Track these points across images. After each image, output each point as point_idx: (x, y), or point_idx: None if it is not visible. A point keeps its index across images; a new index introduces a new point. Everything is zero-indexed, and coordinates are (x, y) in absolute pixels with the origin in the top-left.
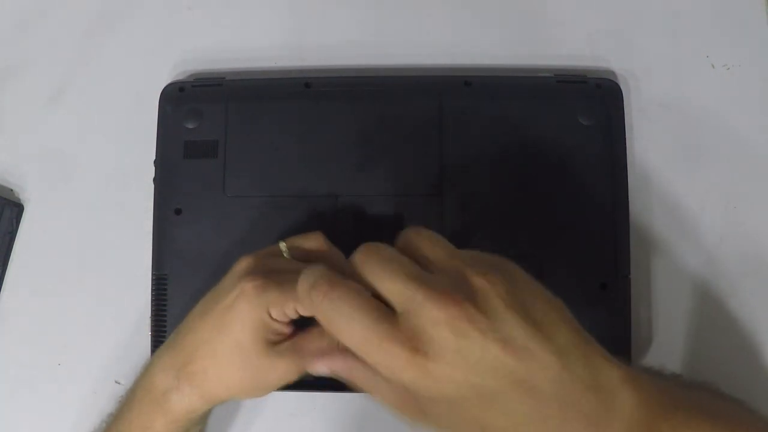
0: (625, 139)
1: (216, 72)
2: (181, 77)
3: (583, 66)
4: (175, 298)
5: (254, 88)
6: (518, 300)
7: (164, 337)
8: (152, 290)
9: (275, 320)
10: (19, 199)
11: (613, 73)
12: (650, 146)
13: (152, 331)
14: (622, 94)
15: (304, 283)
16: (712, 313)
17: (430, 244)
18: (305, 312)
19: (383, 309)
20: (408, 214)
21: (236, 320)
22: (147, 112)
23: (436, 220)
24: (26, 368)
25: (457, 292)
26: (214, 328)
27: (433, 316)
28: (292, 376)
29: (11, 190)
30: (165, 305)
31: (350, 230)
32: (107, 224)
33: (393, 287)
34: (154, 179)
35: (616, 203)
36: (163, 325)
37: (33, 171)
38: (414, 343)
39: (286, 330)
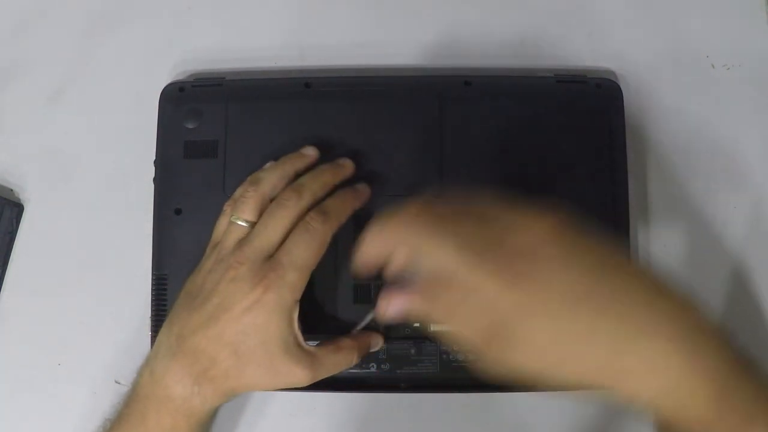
0: (625, 139)
1: (216, 72)
2: (181, 77)
3: (583, 66)
4: (175, 298)
5: (254, 88)
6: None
7: None
8: (152, 290)
9: (296, 304)
10: (19, 199)
11: (613, 73)
12: (650, 146)
13: (152, 331)
14: (622, 94)
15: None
16: (712, 311)
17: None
18: (314, 266)
19: (485, 247)
20: None
21: (265, 317)
22: (147, 112)
23: None
24: (26, 368)
25: (560, 227)
26: (237, 332)
27: (530, 243)
28: (307, 381)
29: (11, 190)
30: (165, 305)
31: (350, 230)
32: (107, 224)
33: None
34: (154, 179)
35: (616, 203)
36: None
37: (33, 171)
38: (509, 272)
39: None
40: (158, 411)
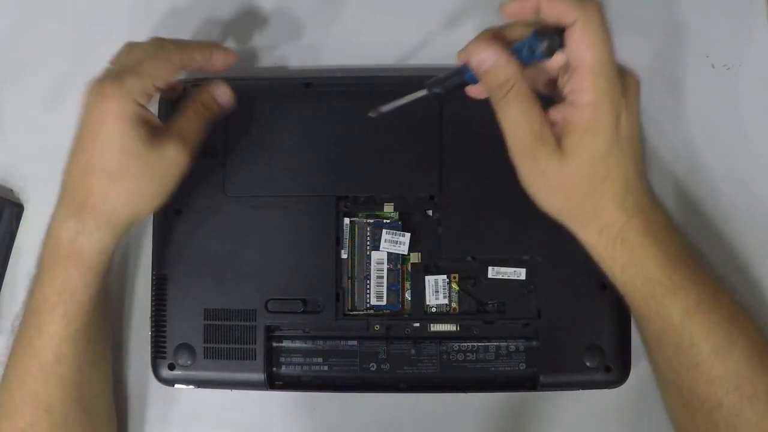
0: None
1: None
2: (181, 77)
3: None
4: (175, 298)
5: (254, 88)
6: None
7: (164, 337)
8: (152, 290)
9: (144, 108)
10: (19, 199)
11: None
12: (650, 146)
13: (152, 331)
14: None
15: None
16: None
17: None
18: (162, 82)
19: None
20: (407, 214)
21: (112, 126)
22: None
23: (435, 220)
24: None
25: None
26: (96, 149)
27: (634, 80)
28: (184, 161)
29: (11, 190)
30: (165, 305)
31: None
32: None
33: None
34: None
35: None
36: (163, 325)
37: (33, 171)
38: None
39: (154, 117)
40: (50, 266)
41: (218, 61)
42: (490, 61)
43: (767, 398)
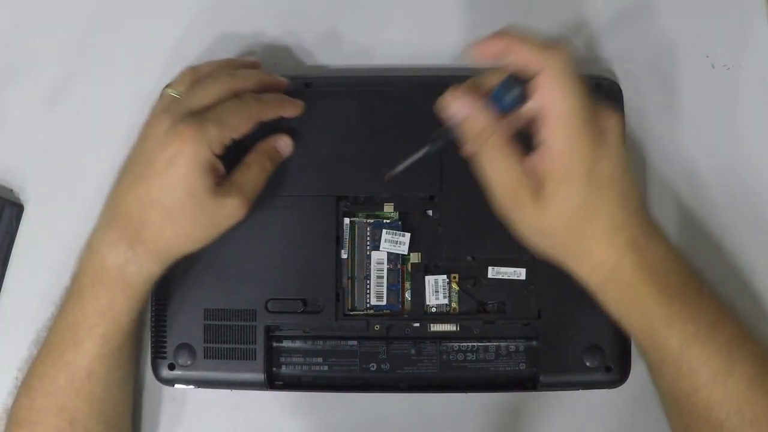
0: (624, 139)
1: None
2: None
3: (583, 66)
4: (175, 298)
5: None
6: None
7: (164, 337)
8: (152, 290)
9: (216, 157)
10: (19, 199)
11: (613, 73)
12: (650, 146)
13: (152, 331)
14: (622, 94)
15: (536, 37)
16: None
17: None
18: (239, 134)
19: (521, 169)
20: (407, 214)
21: (185, 168)
22: (147, 112)
23: (435, 220)
24: (26, 368)
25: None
26: (162, 186)
27: (613, 117)
28: (241, 210)
29: (11, 190)
30: (165, 305)
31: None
32: None
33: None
34: None
35: None
36: (163, 325)
37: (33, 171)
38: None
39: (222, 167)
40: (93, 285)
41: (288, 113)
42: (463, 112)
43: None
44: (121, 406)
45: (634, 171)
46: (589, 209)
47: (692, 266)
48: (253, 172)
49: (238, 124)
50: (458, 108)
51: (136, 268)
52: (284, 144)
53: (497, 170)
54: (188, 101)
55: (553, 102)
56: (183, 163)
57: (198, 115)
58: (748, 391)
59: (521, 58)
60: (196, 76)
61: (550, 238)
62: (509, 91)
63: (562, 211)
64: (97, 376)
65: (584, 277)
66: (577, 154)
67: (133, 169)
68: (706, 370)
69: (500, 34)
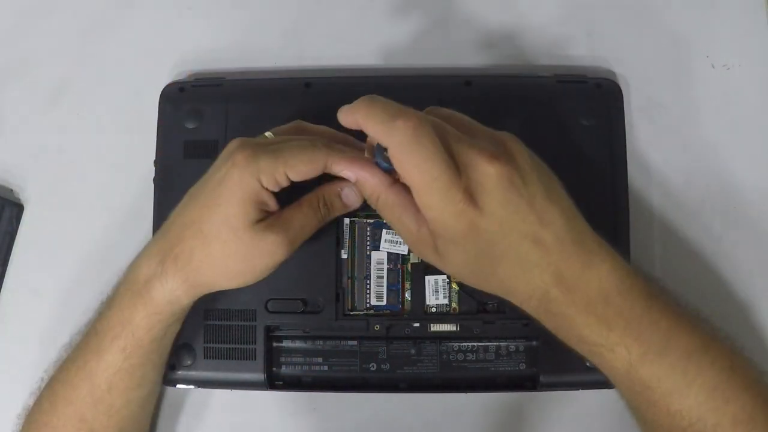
0: (625, 139)
1: (216, 72)
2: (181, 77)
3: (583, 66)
4: None
5: (254, 88)
6: (538, 168)
7: None
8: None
9: (266, 191)
10: (19, 199)
11: (613, 73)
12: (650, 146)
13: None
14: (622, 94)
15: (388, 110)
16: (713, 310)
17: (459, 117)
18: (297, 175)
19: (450, 161)
20: None
21: (227, 192)
22: (147, 112)
23: None
24: (26, 368)
25: (502, 154)
26: (204, 206)
27: (487, 172)
28: (283, 251)
29: (11, 190)
30: None
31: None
32: (107, 224)
33: (454, 147)
34: (154, 179)
35: (616, 203)
36: None
37: (33, 171)
38: (471, 195)
39: (273, 205)
40: (123, 295)
41: (355, 174)
42: (352, 177)
43: (733, 427)
44: (142, 425)
45: (563, 194)
46: (489, 259)
47: (643, 282)
48: (303, 213)
49: (297, 162)
50: (348, 174)
51: (160, 285)
52: (350, 194)
53: (395, 224)
54: (267, 140)
55: (407, 175)
56: (226, 188)
57: (258, 146)
58: (709, 400)
59: (371, 132)
60: (303, 128)
61: (466, 280)
62: (381, 157)
63: (461, 263)
64: (117, 392)
65: (520, 306)
66: (448, 220)
67: (194, 187)
68: (660, 386)
69: (351, 108)
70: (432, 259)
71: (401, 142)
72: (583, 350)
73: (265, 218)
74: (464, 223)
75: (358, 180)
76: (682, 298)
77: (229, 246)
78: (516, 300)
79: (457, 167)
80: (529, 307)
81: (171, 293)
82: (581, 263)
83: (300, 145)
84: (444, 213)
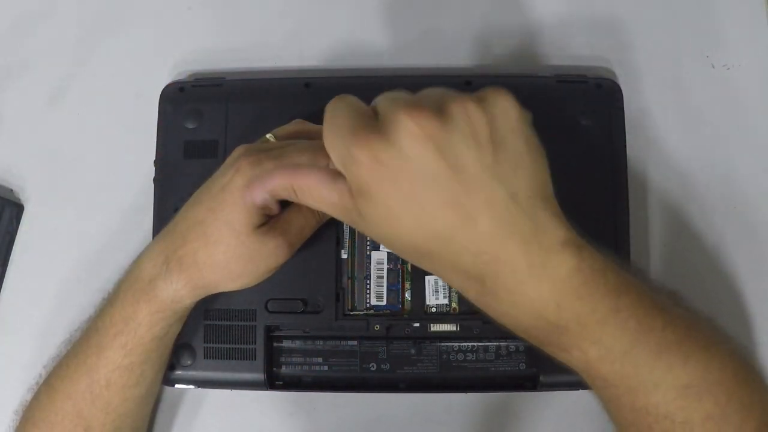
0: (625, 139)
1: (216, 72)
2: (181, 77)
3: (583, 66)
4: None
5: (254, 88)
6: (490, 134)
7: None
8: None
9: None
10: (19, 199)
11: (613, 73)
12: (650, 146)
13: None
14: (622, 94)
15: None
16: (712, 311)
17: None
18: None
19: (369, 121)
20: None
21: (230, 197)
22: (147, 112)
23: None
24: (26, 368)
25: (429, 105)
26: (207, 210)
27: (400, 124)
28: (284, 253)
29: (11, 190)
30: None
31: (350, 236)
32: (107, 224)
33: (385, 102)
34: (154, 179)
35: (616, 203)
36: None
37: (33, 171)
38: (375, 132)
39: (276, 209)
40: (126, 292)
41: None
42: (297, 179)
43: (702, 423)
44: (139, 424)
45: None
46: (408, 216)
47: (614, 278)
48: (302, 215)
49: (300, 160)
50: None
51: (164, 284)
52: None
53: (317, 203)
54: (270, 144)
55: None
56: (230, 193)
57: (261, 152)
58: (679, 399)
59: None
60: (305, 128)
61: (398, 249)
62: None
63: (382, 220)
64: (115, 389)
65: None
66: (347, 153)
67: (199, 190)
68: (622, 384)
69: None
70: (360, 225)
71: (328, 116)
72: (533, 344)
73: (267, 221)
74: (368, 172)
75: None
76: (681, 295)
77: (232, 249)
78: (453, 285)
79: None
80: (467, 295)
81: (175, 293)
82: (528, 263)
83: (300, 150)
84: (347, 160)
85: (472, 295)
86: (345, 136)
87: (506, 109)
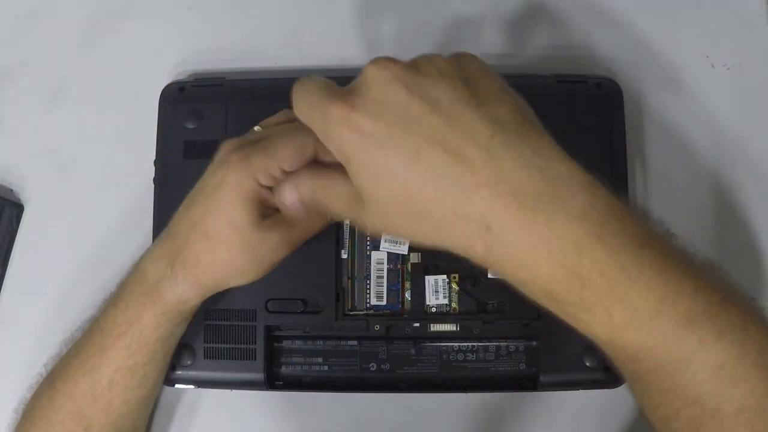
0: (625, 139)
1: (216, 72)
2: (181, 77)
3: (583, 66)
4: None
5: (254, 88)
6: (458, 73)
7: None
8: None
9: (264, 187)
10: (19, 199)
11: (613, 73)
12: (650, 146)
13: None
14: (622, 94)
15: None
16: None
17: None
18: (290, 165)
19: (340, 88)
20: None
21: (226, 196)
22: (147, 112)
23: None
24: (26, 367)
25: (400, 61)
26: (206, 210)
27: (367, 75)
28: (285, 249)
29: (11, 190)
30: None
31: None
32: (107, 224)
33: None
34: (154, 179)
35: None
36: None
37: (33, 171)
38: (345, 98)
39: (271, 199)
40: (130, 295)
41: None
42: (306, 187)
43: (736, 414)
44: (139, 424)
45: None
46: (402, 186)
47: (635, 223)
48: (309, 216)
49: (288, 154)
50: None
51: (170, 286)
52: None
53: (331, 201)
54: (256, 134)
55: (300, 116)
56: (225, 192)
57: (249, 145)
58: (710, 381)
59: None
60: (291, 117)
61: (399, 229)
62: None
63: (383, 205)
64: (117, 389)
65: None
66: (333, 132)
67: (193, 190)
68: (649, 359)
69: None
70: (364, 219)
71: (293, 96)
72: (554, 309)
73: (270, 215)
74: (346, 130)
75: (302, 194)
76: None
77: (235, 246)
78: (459, 248)
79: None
80: (476, 255)
81: (182, 294)
82: (534, 191)
83: (287, 135)
84: (326, 127)
85: (479, 252)
86: (320, 101)
87: (471, 58)
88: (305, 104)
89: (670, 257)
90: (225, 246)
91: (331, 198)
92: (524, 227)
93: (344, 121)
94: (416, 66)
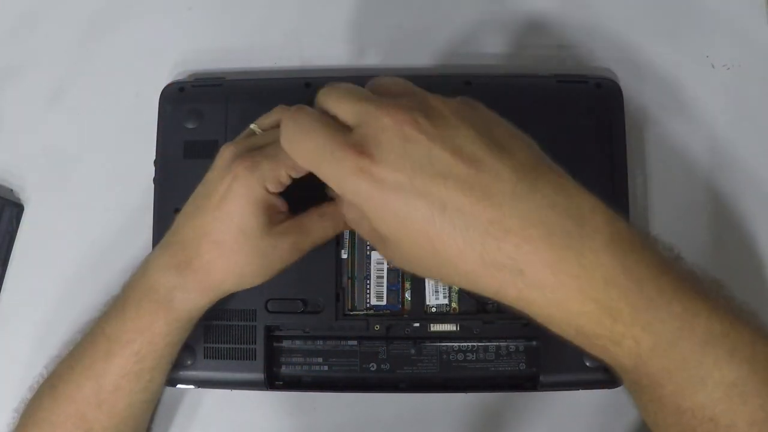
0: (625, 139)
1: (216, 72)
2: (181, 77)
3: (583, 66)
4: None
5: (254, 88)
6: (475, 119)
7: None
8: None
9: (273, 194)
10: (19, 199)
11: (613, 73)
12: (650, 146)
13: None
14: (622, 94)
15: (273, 114)
16: None
17: (396, 83)
18: (297, 172)
19: (338, 126)
20: None
21: (236, 205)
22: (147, 112)
23: None
24: (27, 367)
25: (412, 106)
26: (215, 220)
27: (382, 124)
28: (294, 255)
29: (11, 190)
30: None
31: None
32: (107, 224)
33: (349, 106)
34: (154, 179)
35: (616, 203)
36: None
37: (33, 171)
38: (361, 148)
39: (282, 205)
40: (139, 302)
41: None
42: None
43: (748, 428)
44: (140, 426)
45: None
46: (423, 233)
47: (651, 253)
48: (324, 225)
49: (294, 151)
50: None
51: (182, 295)
52: None
53: (359, 229)
54: (257, 138)
55: (300, 161)
56: (234, 200)
57: (255, 152)
58: (725, 399)
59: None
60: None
61: (423, 272)
62: None
63: (403, 248)
64: (122, 393)
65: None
66: (350, 185)
67: (196, 197)
68: (670, 382)
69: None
70: (386, 255)
71: (284, 133)
72: (582, 344)
73: (282, 221)
74: (365, 182)
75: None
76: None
77: (247, 254)
78: (489, 293)
79: (348, 130)
80: (507, 298)
81: (193, 302)
82: (563, 230)
83: (290, 134)
84: (342, 179)
85: (512, 295)
86: (328, 147)
87: (476, 104)
88: (306, 147)
89: (686, 282)
90: (237, 254)
91: (360, 227)
92: (556, 267)
93: (362, 171)
94: (426, 110)
